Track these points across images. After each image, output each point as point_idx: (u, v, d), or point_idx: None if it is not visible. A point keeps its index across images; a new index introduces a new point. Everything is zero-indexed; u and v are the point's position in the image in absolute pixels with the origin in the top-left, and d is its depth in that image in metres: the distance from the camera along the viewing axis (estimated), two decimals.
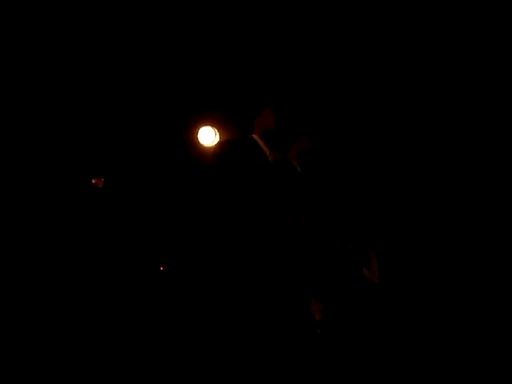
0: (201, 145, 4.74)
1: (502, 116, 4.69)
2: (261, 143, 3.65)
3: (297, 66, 4.76)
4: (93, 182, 4.66)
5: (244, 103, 4.68)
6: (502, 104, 4.68)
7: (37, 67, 4.66)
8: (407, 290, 4.64)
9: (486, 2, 4.47)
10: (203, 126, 4.73)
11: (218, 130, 4.73)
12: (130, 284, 4.69)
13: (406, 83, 4.77)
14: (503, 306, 4.55)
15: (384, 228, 4.69)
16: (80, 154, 4.78)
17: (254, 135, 3.61)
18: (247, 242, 4.09)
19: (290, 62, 4.74)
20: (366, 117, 4.77)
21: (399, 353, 4.54)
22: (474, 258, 4.66)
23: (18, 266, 4.65)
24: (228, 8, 4.58)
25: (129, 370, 4.48)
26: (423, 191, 4.77)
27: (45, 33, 4.56)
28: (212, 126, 4.72)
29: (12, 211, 4.68)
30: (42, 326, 4.58)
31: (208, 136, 4.72)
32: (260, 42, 4.59)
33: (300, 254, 4.19)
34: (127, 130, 4.79)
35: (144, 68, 4.72)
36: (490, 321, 4.55)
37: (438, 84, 4.76)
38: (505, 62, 4.59)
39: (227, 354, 4.06)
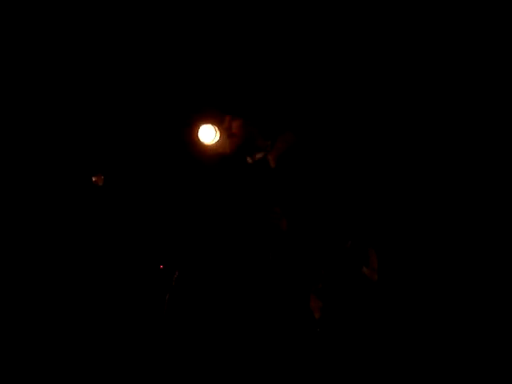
0: (201, 143, 4.74)
1: (502, 116, 4.71)
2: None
3: (296, 64, 4.78)
4: (93, 179, 4.66)
5: (245, 101, 4.70)
6: (502, 104, 4.69)
7: (36, 67, 4.67)
8: (407, 289, 4.64)
9: (485, 2, 4.49)
10: (203, 124, 4.73)
11: (219, 129, 4.72)
12: (130, 282, 4.69)
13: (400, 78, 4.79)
14: (503, 306, 4.55)
15: (383, 226, 4.69)
16: (80, 151, 4.78)
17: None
18: (245, 241, 4.09)
19: (288, 59, 4.76)
20: (366, 113, 4.78)
21: (399, 351, 4.55)
22: (474, 256, 4.66)
23: (17, 265, 4.65)
24: (229, 6, 4.60)
25: (129, 370, 4.47)
26: (423, 189, 4.77)
27: (45, 33, 4.57)
28: (212, 124, 4.72)
29: (11, 209, 4.68)
30: (42, 326, 4.57)
31: (208, 134, 4.72)
32: (261, 39, 4.60)
33: (299, 252, 4.21)
34: (127, 127, 4.80)
35: (143, 66, 4.73)
36: (490, 320, 4.55)
37: (432, 82, 4.78)
38: (505, 62, 4.61)
39: (227, 353, 4.06)
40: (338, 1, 4.64)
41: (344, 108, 4.79)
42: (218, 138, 4.69)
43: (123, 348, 4.55)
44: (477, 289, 4.65)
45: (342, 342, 4.37)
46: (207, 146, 4.71)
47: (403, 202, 4.76)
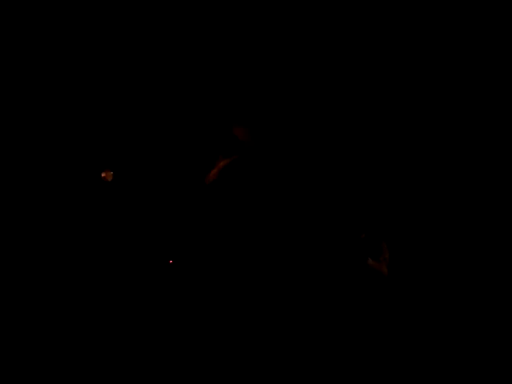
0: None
1: (502, 116, 4.78)
2: None
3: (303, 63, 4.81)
4: (102, 175, 4.62)
5: (254, 94, 4.70)
6: (502, 104, 4.77)
7: (43, 63, 4.65)
8: (417, 284, 4.64)
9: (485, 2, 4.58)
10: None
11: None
12: (138, 278, 4.64)
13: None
14: None
15: (397, 221, 4.71)
16: (89, 148, 4.73)
17: None
18: (254, 234, 4.09)
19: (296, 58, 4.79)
20: (373, 109, 4.82)
21: (404, 349, 4.55)
22: (484, 254, 4.69)
23: (23, 260, 4.58)
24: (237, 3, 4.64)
25: (129, 369, 4.42)
26: (437, 187, 4.81)
27: (45, 32, 4.56)
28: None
29: (19, 207, 4.63)
30: (43, 325, 4.50)
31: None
32: (270, 35, 4.64)
33: (311, 245, 4.22)
34: (137, 124, 4.77)
35: (153, 63, 4.73)
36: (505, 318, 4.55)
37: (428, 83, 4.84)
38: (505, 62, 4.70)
39: (228, 345, 4.04)
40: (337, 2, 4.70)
41: (356, 102, 4.83)
42: None
43: (123, 347, 4.50)
44: (487, 287, 4.67)
45: (350, 338, 4.37)
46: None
47: (414, 197, 4.79)
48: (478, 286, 4.65)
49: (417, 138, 4.80)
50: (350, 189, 4.60)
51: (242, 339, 4.19)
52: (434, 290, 4.67)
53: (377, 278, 4.49)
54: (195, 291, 4.39)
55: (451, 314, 4.62)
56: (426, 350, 4.52)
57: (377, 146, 4.78)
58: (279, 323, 4.21)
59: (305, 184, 4.40)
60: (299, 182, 4.40)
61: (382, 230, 4.58)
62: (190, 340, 4.35)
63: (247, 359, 4.12)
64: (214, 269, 4.43)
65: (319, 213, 4.48)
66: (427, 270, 4.67)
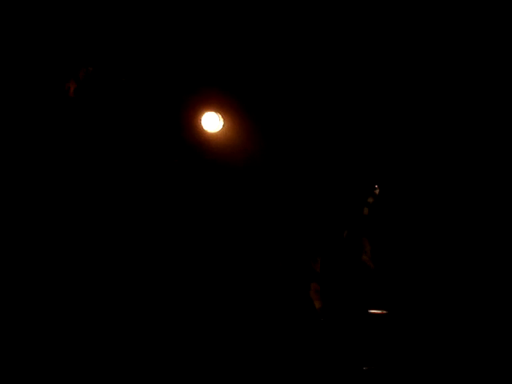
0: (204, 131, 4.70)
1: (501, 116, 4.77)
2: None
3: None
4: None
5: (250, 87, 4.68)
6: (501, 104, 4.76)
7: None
8: (402, 277, 4.69)
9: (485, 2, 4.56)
10: (207, 111, 4.68)
11: (223, 116, 4.68)
12: (130, 280, 4.60)
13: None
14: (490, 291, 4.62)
15: (378, 218, 4.74)
16: (79, 145, 4.67)
17: None
18: (246, 234, 4.10)
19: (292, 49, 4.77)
20: (359, 109, 4.82)
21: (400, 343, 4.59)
22: (467, 255, 4.72)
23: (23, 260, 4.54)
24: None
25: (129, 370, 4.43)
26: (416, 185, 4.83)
27: (44, 31, 4.54)
28: (216, 111, 4.68)
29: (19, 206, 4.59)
30: (42, 323, 4.49)
31: (212, 122, 4.69)
32: (266, 25, 4.60)
33: (297, 242, 4.23)
34: (126, 116, 4.72)
35: (145, 52, 4.69)
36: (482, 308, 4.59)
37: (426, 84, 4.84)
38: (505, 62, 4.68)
39: (228, 348, 4.05)
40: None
41: (339, 103, 4.83)
42: (221, 125, 4.65)
43: (123, 348, 4.50)
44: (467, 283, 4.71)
45: (344, 333, 4.40)
46: (211, 134, 4.68)
47: (396, 196, 4.82)
48: (452, 280, 4.70)
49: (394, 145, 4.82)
50: (333, 190, 4.65)
51: (238, 337, 4.19)
52: (414, 279, 4.72)
53: (366, 271, 4.56)
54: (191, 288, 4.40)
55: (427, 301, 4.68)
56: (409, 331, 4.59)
57: (356, 148, 4.79)
58: (277, 314, 4.22)
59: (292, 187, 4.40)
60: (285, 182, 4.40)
61: (364, 227, 4.64)
62: (189, 339, 4.37)
63: (244, 358, 4.14)
64: (204, 267, 4.43)
65: (306, 213, 4.49)
66: (408, 265, 4.71)
